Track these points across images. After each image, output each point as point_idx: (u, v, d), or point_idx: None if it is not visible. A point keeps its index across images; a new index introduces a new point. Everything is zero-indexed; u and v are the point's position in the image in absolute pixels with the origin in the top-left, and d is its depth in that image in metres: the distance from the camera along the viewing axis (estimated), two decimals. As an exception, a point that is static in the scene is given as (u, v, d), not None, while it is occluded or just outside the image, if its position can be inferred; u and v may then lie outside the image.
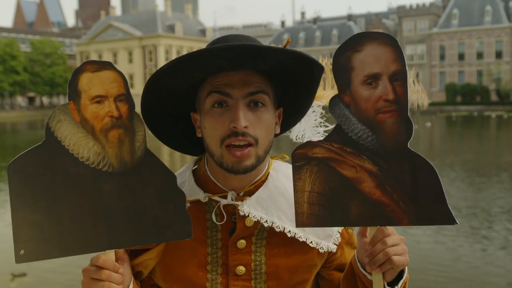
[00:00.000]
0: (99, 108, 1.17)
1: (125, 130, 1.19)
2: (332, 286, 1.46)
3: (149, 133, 1.27)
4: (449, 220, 1.17)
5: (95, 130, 1.18)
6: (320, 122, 1.56)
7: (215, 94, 1.25)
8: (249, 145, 1.24)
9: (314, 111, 1.55)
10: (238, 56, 1.18)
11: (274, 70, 1.26)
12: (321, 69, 1.30)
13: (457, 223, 1.15)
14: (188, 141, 1.45)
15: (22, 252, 1.15)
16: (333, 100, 1.22)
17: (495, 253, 7.72)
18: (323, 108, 1.56)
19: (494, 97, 62.69)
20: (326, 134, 1.53)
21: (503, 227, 9.12)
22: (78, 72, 1.16)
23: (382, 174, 1.20)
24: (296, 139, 1.56)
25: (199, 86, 1.30)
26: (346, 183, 1.21)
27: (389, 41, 1.18)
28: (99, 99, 1.17)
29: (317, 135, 1.55)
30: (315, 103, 1.52)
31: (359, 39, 1.19)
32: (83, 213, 1.18)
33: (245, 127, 1.22)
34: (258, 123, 1.25)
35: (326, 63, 1.46)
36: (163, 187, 1.21)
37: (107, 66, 1.17)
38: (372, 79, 1.19)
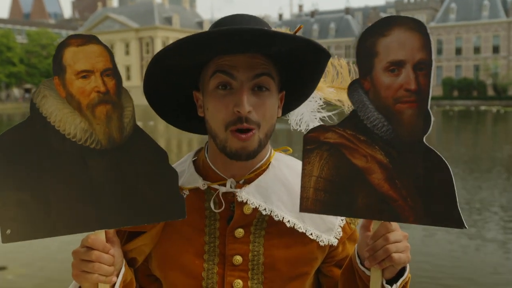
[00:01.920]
0: (85, 83, 1.13)
1: (112, 105, 1.15)
2: (333, 283, 1.42)
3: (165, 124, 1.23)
4: (458, 223, 1.11)
5: (81, 106, 1.14)
6: (319, 108, 1.55)
7: (220, 74, 1.22)
8: (252, 129, 1.22)
9: (313, 97, 1.54)
10: (248, 40, 1.15)
11: (281, 54, 1.24)
12: (328, 56, 1.28)
13: (465, 227, 1.10)
14: (188, 118, 1.43)
15: (8, 231, 1.12)
16: (352, 84, 1.18)
17: (488, 250, 7.74)
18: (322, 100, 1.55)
19: (490, 92, 62.80)
20: (323, 119, 1.54)
21: (497, 223, 9.15)
22: (62, 46, 1.12)
23: (393, 167, 1.14)
24: (295, 124, 1.55)
25: (204, 65, 1.27)
26: (355, 172, 1.16)
27: (418, 27, 1.11)
28: (85, 74, 1.13)
29: (315, 120, 1.53)
30: (315, 92, 1.50)
31: (387, 23, 1.13)
32: (70, 191, 1.14)
33: (249, 112, 1.19)
34: (261, 107, 1.22)
35: (332, 59, 1.44)
36: (153, 165, 1.17)
37: (92, 40, 1.13)
38: (396, 66, 1.13)
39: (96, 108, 1.14)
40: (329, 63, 1.45)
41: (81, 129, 1.14)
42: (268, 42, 1.18)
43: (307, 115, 1.55)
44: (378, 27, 1.14)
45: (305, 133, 1.53)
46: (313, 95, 1.51)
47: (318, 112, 1.55)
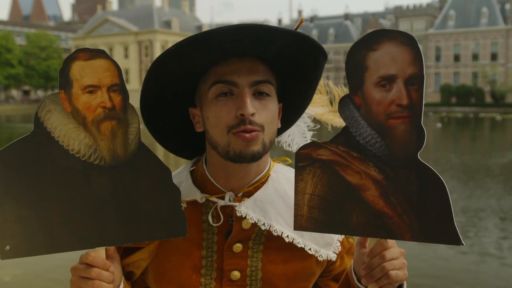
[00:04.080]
0: (91, 98, 1.12)
1: (118, 122, 1.13)
2: None
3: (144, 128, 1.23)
4: (454, 240, 1.09)
5: (86, 121, 1.12)
6: (308, 128, 1.55)
7: (220, 84, 1.20)
8: (256, 130, 1.20)
9: (303, 117, 1.54)
10: (247, 39, 1.13)
11: (278, 59, 1.23)
12: (325, 57, 1.27)
13: (462, 244, 1.09)
14: (182, 141, 1.42)
15: (7, 248, 1.10)
16: (343, 100, 1.16)
17: (481, 260, 7.71)
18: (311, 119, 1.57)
19: (488, 99, 62.96)
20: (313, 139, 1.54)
21: (488, 230, 9.15)
22: (70, 60, 1.11)
23: (388, 183, 1.13)
24: (287, 146, 1.54)
25: (200, 79, 1.26)
26: (349, 189, 1.15)
27: (408, 41, 1.10)
28: (91, 89, 1.11)
29: (305, 141, 1.53)
30: (307, 110, 1.51)
31: (377, 37, 1.11)
32: (72, 208, 1.13)
33: (252, 114, 1.18)
34: (264, 111, 1.21)
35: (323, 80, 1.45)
36: (157, 182, 1.16)
37: (100, 54, 1.11)
38: (387, 81, 1.11)
39: (101, 124, 1.13)
40: (321, 83, 1.45)
41: (85, 145, 1.13)
42: (268, 39, 1.16)
43: (298, 137, 1.54)
44: (367, 41, 1.12)
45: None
46: (303, 115, 1.50)
47: (309, 131, 1.56)
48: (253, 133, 1.18)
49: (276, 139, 1.48)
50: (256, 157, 1.21)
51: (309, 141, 1.53)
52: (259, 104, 1.21)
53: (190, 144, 1.42)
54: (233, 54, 1.19)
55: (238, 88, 1.20)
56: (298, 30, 1.19)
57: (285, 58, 1.23)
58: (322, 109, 1.52)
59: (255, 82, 1.21)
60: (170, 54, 1.16)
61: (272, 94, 1.25)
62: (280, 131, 1.45)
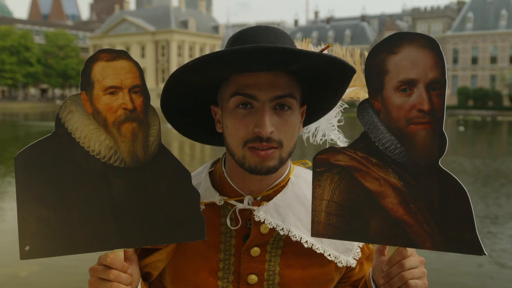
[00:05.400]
0: (112, 99, 1.12)
1: (139, 123, 1.13)
2: None
3: (163, 127, 1.26)
4: (476, 249, 1.07)
5: (107, 123, 1.13)
6: (336, 114, 1.52)
7: (240, 96, 1.18)
8: (273, 147, 1.19)
9: None
10: (269, 59, 1.12)
11: (304, 70, 1.20)
12: (353, 72, 1.24)
13: (485, 254, 1.06)
14: (205, 131, 1.41)
15: (27, 248, 1.11)
16: (362, 105, 1.14)
17: (494, 269, 7.62)
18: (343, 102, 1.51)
19: (506, 102, 62.19)
20: (340, 126, 1.51)
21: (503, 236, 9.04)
22: (91, 60, 1.11)
23: (408, 191, 1.11)
24: (311, 136, 1.52)
25: (223, 80, 1.24)
26: (367, 196, 1.13)
27: (430, 44, 1.07)
28: (112, 90, 1.11)
29: (332, 128, 1.51)
30: None
31: (397, 39, 1.09)
32: (92, 209, 1.13)
33: (271, 132, 1.16)
34: (283, 126, 1.19)
35: (355, 62, 1.41)
36: (176, 185, 1.16)
37: (122, 55, 1.11)
38: (407, 86, 1.08)
39: (122, 126, 1.13)
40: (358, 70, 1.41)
41: (106, 146, 1.13)
42: (291, 60, 1.13)
43: (324, 124, 1.52)
44: (387, 44, 1.10)
45: (321, 142, 1.51)
46: None
47: (335, 117, 1.52)
48: (269, 151, 1.17)
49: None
50: (271, 171, 1.21)
51: (336, 127, 1.51)
52: (279, 119, 1.19)
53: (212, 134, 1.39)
54: (254, 70, 1.17)
55: (258, 102, 1.17)
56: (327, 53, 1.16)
57: (310, 70, 1.20)
58: (349, 88, 1.46)
59: (276, 97, 1.18)
60: (188, 69, 1.15)
61: (294, 107, 1.22)
62: (306, 124, 1.44)
